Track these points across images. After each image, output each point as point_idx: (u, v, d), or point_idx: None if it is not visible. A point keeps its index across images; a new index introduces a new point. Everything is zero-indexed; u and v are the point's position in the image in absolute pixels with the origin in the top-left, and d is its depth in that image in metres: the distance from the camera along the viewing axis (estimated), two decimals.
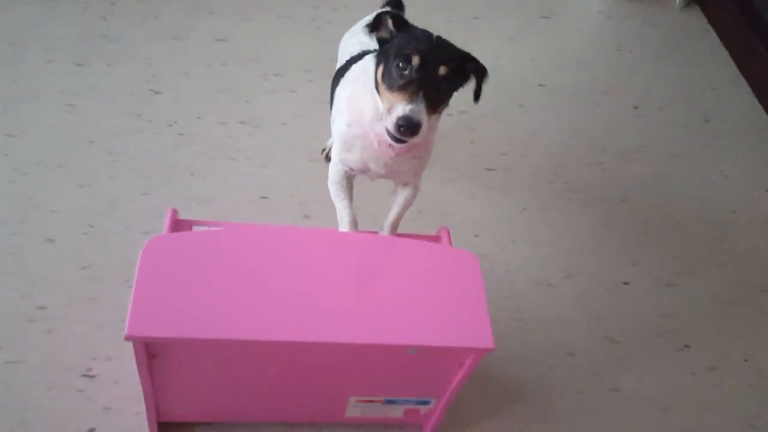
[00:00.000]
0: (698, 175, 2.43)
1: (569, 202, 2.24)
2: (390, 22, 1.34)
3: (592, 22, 3.02)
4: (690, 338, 1.95)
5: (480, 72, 1.35)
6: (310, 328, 1.26)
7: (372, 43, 1.41)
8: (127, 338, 1.17)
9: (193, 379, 1.38)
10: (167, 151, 2.09)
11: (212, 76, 2.35)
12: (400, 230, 1.63)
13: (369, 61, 1.46)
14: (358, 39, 1.73)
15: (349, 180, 1.55)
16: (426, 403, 1.51)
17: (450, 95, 1.34)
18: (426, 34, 1.33)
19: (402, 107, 1.23)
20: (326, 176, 1.56)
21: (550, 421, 1.71)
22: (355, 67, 1.57)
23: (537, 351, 1.84)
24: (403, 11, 1.92)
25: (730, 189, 2.41)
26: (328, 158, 2.12)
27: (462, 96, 1.38)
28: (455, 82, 1.32)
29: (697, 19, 3.11)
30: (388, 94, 1.28)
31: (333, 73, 1.72)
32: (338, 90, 1.59)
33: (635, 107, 2.63)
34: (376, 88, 1.33)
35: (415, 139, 1.27)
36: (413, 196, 1.58)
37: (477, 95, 1.39)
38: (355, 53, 1.66)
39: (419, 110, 1.23)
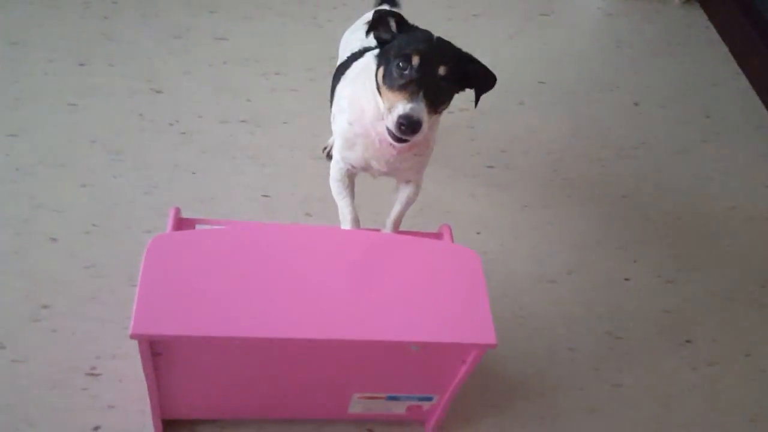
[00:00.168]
0: (698, 172, 2.43)
1: (570, 198, 2.25)
2: (393, 23, 1.34)
3: (592, 19, 3.03)
4: (691, 334, 1.96)
5: (481, 75, 1.36)
6: (314, 325, 1.27)
7: (372, 41, 1.41)
8: (132, 336, 1.18)
9: (197, 377, 1.38)
10: (169, 150, 2.09)
11: (213, 75, 2.36)
12: (401, 228, 1.64)
13: (370, 59, 1.46)
14: (359, 36, 1.74)
15: (350, 178, 1.56)
16: (429, 399, 1.52)
17: (451, 96, 1.35)
18: (426, 35, 1.33)
19: (402, 106, 1.24)
20: (328, 174, 1.57)
21: (551, 417, 1.72)
22: (356, 65, 1.57)
23: (538, 347, 1.85)
24: (398, 8, 1.93)
25: (730, 185, 2.41)
26: (329, 156, 2.12)
27: (462, 93, 1.39)
28: (456, 82, 1.33)
29: (696, 15, 3.12)
30: (388, 94, 1.29)
31: (333, 72, 1.73)
32: (339, 88, 1.59)
33: (635, 104, 2.64)
34: (378, 88, 1.34)
35: (416, 138, 1.28)
36: (415, 193, 1.59)
37: (476, 100, 1.40)
38: (356, 50, 1.67)
39: (419, 109, 1.24)
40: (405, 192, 1.59)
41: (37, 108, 2.13)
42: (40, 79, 2.21)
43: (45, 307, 1.68)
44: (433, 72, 1.28)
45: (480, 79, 1.36)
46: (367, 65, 1.45)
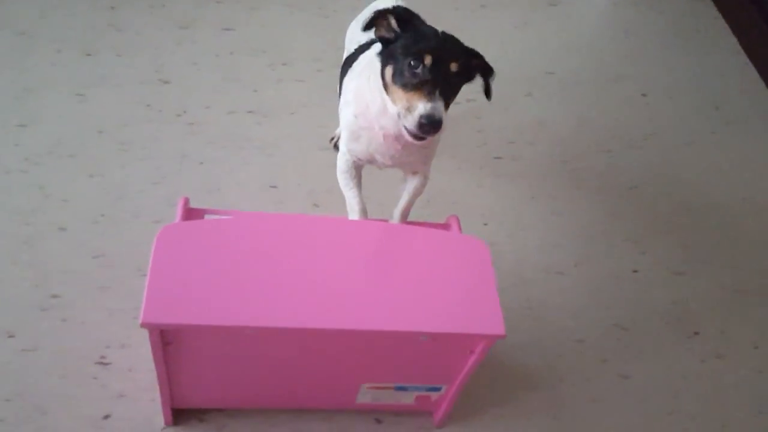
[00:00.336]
0: (707, 163, 2.42)
1: (578, 190, 2.24)
2: (393, 22, 1.33)
3: (601, 10, 3.00)
4: (699, 326, 1.96)
5: (485, 70, 1.36)
6: (322, 315, 1.27)
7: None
8: (143, 325, 1.18)
9: (207, 366, 1.39)
10: (177, 141, 2.09)
11: (220, 66, 2.36)
12: (409, 219, 1.64)
13: (373, 54, 1.45)
14: None
15: (358, 169, 1.56)
16: (437, 389, 1.52)
17: (459, 89, 1.36)
18: (432, 30, 1.32)
19: (423, 106, 1.24)
20: (335, 165, 1.57)
21: (559, 408, 1.72)
22: (362, 57, 1.57)
23: (546, 338, 1.85)
24: None
25: (739, 176, 2.40)
26: (336, 147, 2.12)
27: (469, 84, 1.39)
28: (464, 76, 1.34)
29: (706, 6, 3.09)
30: (401, 94, 1.28)
31: (341, 62, 1.73)
32: (346, 80, 1.59)
33: (644, 95, 2.62)
34: (385, 87, 1.33)
35: (437, 136, 1.28)
36: (422, 184, 1.59)
37: (488, 93, 1.40)
38: (363, 41, 1.66)
39: (439, 107, 1.25)
40: (412, 183, 1.58)
41: (45, 98, 2.13)
42: (47, 70, 2.22)
43: (54, 296, 1.69)
44: (446, 69, 1.27)
45: (483, 70, 1.37)
46: (372, 60, 1.44)
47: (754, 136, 2.56)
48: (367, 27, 1.35)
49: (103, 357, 1.61)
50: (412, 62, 1.26)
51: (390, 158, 1.47)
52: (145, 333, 1.22)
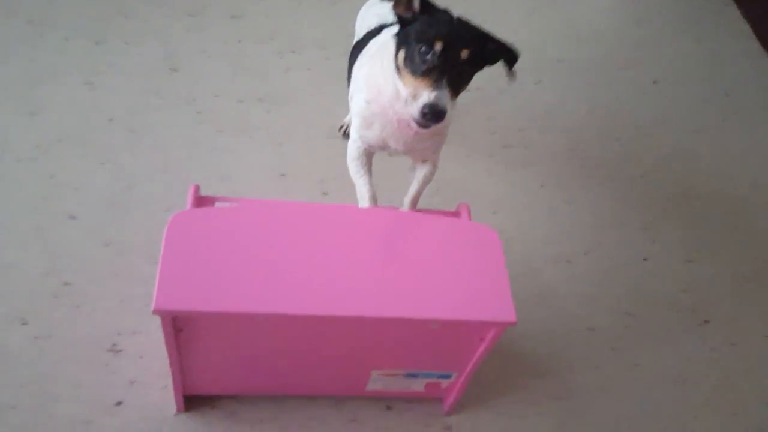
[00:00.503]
0: (718, 150, 2.41)
1: (588, 178, 2.23)
2: (416, 2, 1.32)
3: None
4: (709, 314, 1.95)
5: (505, 52, 1.34)
6: (333, 301, 1.27)
7: (390, 16, 1.39)
8: (155, 312, 1.19)
9: (219, 353, 1.40)
10: (186, 129, 2.09)
11: (229, 54, 2.35)
12: (419, 207, 1.64)
13: (387, 37, 1.45)
14: (375, 11, 1.72)
15: (368, 156, 1.56)
16: (447, 377, 1.52)
17: (471, 78, 1.34)
18: (447, 17, 1.31)
19: (427, 94, 1.24)
20: (344, 153, 1.57)
21: (568, 396, 1.72)
22: (373, 43, 1.56)
23: (556, 326, 1.85)
24: None
25: (750, 164, 2.38)
26: (345, 135, 2.12)
27: (479, 72, 1.38)
28: (476, 63, 1.32)
29: None
30: (410, 80, 1.28)
31: (350, 50, 1.72)
32: (356, 67, 1.58)
33: (654, 82, 2.60)
34: (397, 71, 1.33)
35: (440, 125, 1.27)
36: (432, 173, 1.58)
37: (511, 73, 1.38)
38: (372, 27, 1.65)
39: (444, 96, 1.24)
40: (422, 171, 1.58)
41: (55, 86, 2.13)
42: (56, 58, 2.22)
43: (66, 284, 1.69)
44: (455, 57, 1.26)
45: (504, 55, 1.35)
46: (385, 44, 1.43)
47: (765, 123, 2.53)
48: (395, 4, 1.33)
49: (114, 344, 1.61)
50: (423, 48, 1.26)
51: (403, 144, 1.46)
52: (157, 320, 1.23)
